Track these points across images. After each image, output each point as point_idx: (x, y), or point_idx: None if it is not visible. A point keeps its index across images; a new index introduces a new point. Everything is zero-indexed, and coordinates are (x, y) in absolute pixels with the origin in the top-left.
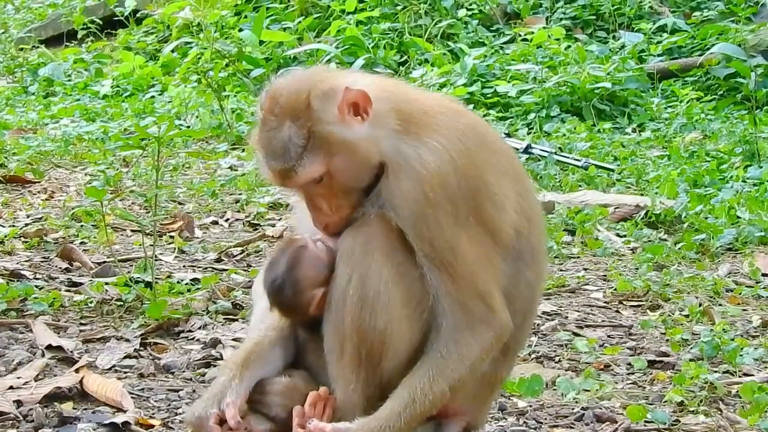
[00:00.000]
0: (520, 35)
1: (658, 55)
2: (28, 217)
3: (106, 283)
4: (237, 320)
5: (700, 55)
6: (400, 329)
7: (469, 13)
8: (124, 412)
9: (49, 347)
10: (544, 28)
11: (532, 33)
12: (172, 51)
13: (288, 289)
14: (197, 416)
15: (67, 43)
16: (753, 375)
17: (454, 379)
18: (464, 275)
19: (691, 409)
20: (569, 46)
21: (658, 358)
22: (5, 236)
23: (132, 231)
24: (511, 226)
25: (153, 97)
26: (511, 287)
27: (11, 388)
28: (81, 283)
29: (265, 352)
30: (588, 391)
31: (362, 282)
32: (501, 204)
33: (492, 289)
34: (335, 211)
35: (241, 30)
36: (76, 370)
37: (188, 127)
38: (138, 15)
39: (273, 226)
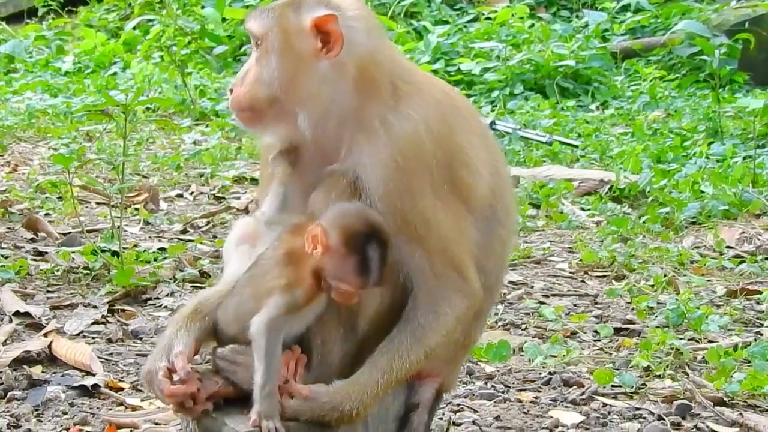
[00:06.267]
0: (483, 14)
1: (622, 35)
2: None
3: (73, 252)
4: (204, 288)
5: (664, 35)
6: (375, 289)
7: None
8: (94, 375)
9: (17, 313)
10: (507, 6)
11: (496, 12)
12: (134, 28)
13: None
14: (147, 371)
15: (28, 21)
16: (718, 342)
17: (430, 347)
18: (439, 247)
19: (658, 373)
20: (533, 25)
21: (623, 326)
22: None
23: (97, 203)
24: (485, 186)
25: (115, 73)
26: (485, 246)
27: None
28: (47, 253)
29: (213, 305)
30: (555, 356)
31: None
32: (475, 168)
33: (466, 258)
34: None
35: (203, 7)
36: (45, 335)
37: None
38: None
39: (238, 198)
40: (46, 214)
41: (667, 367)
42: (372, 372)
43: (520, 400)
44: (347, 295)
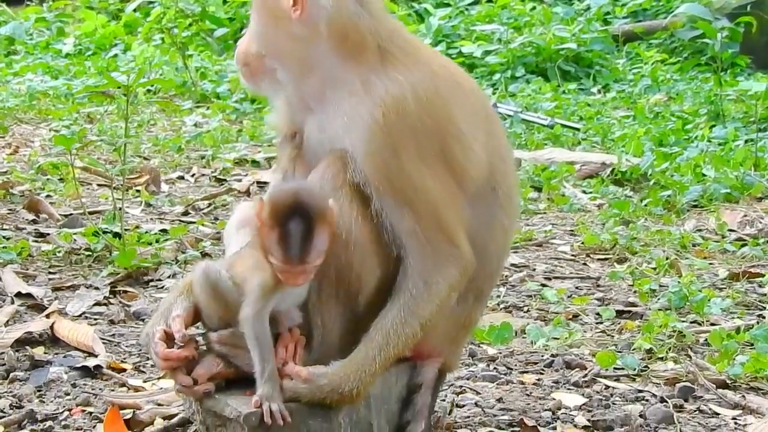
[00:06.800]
0: None
1: (623, 18)
2: None
3: (75, 233)
4: None
5: (665, 18)
6: (372, 266)
7: None
8: (96, 356)
9: (19, 294)
10: None
11: None
12: (135, 10)
13: (308, 192)
14: (145, 334)
15: (28, 2)
16: (720, 325)
17: (425, 318)
18: (427, 212)
19: (660, 356)
20: (534, 8)
21: (626, 309)
22: None
23: (98, 185)
24: (481, 167)
25: (116, 55)
26: (487, 231)
27: None
28: (48, 234)
29: None
30: (557, 339)
31: (336, 219)
32: (470, 147)
33: (456, 225)
34: None
35: None
36: (47, 316)
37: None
38: None
39: (239, 181)
40: (47, 196)
41: (670, 349)
42: (368, 350)
43: (522, 383)
44: (282, 273)
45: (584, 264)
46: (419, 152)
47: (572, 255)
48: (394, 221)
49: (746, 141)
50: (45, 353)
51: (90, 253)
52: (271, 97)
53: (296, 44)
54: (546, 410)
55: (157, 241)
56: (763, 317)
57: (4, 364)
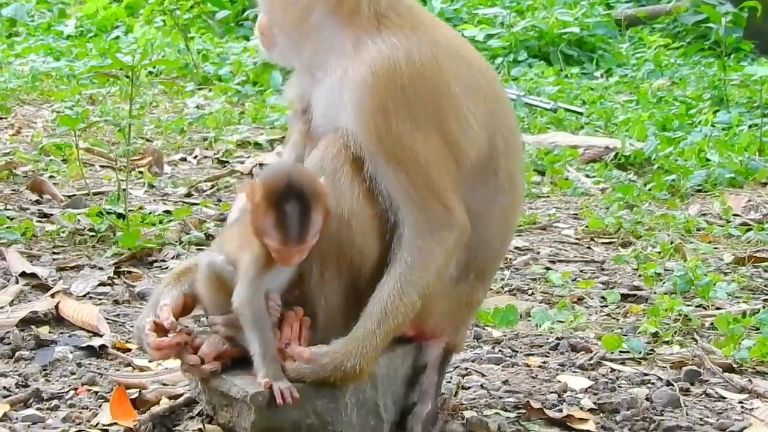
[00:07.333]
0: None
1: (626, 2)
2: None
3: (78, 214)
4: None
5: (669, 2)
6: (374, 243)
7: None
8: (101, 336)
9: (23, 274)
10: None
11: None
12: None
13: (300, 172)
14: (136, 327)
15: None
16: (725, 309)
17: (422, 287)
18: (418, 175)
19: (666, 339)
20: None
21: (631, 292)
22: None
23: (101, 166)
24: (479, 144)
25: (117, 37)
26: (487, 214)
27: None
28: (52, 214)
29: None
30: (562, 322)
31: (337, 198)
32: (467, 122)
33: (448, 188)
34: None
35: None
36: (52, 296)
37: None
38: None
39: (242, 162)
40: (50, 177)
41: (675, 333)
42: (367, 324)
43: (527, 365)
44: (278, 253)
45: (588, 248)
46: (411, 116)
47: (576, 238)
48: (387, 186)
49: (750, 126)
50: (50, 333)
51: (94, 233)
52: (282, 65)
53: (292, 11)
54: (552, 393)
55: (160, 222)
56: None
57: (10, 344)
